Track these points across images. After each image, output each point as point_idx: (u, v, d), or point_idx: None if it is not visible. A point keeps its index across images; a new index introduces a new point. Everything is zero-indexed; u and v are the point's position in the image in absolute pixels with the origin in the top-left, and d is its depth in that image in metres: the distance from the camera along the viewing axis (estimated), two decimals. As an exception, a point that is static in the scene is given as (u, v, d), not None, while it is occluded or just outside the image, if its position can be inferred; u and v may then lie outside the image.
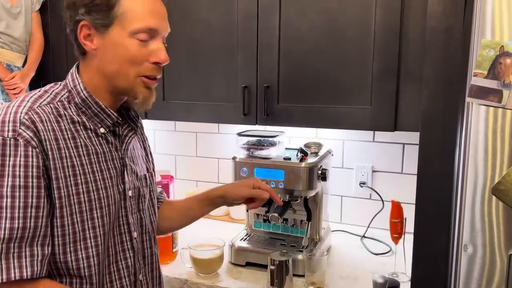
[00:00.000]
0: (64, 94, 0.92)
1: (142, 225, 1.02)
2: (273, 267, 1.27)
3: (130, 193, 0.98)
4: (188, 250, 1.39)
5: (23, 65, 1.96)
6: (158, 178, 1.83)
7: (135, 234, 0.99)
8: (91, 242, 0.89)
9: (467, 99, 0.89)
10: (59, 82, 0.95)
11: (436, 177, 1.06)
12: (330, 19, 1.43)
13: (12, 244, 0.80)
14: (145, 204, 1.04)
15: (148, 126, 2.15)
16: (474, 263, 0.94)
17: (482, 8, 0.88)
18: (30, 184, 0.81)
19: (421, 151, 1.07)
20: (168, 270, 1.42)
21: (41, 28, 1.97)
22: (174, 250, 1.48)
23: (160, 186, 1.57)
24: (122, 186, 0.96)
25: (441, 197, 1.06)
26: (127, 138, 1.00)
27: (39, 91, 0.92)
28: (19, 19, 1.91)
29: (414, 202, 1.13)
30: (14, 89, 1.90)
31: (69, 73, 0.95)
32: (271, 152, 1.46)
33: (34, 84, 1.96)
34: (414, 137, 1.65)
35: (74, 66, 0.96)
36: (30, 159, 0.81)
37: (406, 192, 1.67)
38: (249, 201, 1.16)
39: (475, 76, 0.87)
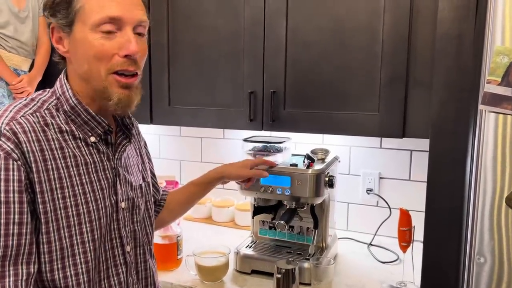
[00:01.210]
0: (52, 101, 0.87)
1: (135, 238, 0.98)
2: (279, 276, 1.25)
3: (123, 204, 0.93)
4: (193, 257, 1.38)
5: (30, 69, 1.97)
6: (163, 184, 1.82)
7: (128, 248, 0.94)
8: (80, 258, 0.84)
9: (480, 107, 0.87)
10: (48, 89, 0.91)
11: (446, 186, 1.04)
12: (337, 26, 1.42)
13: None
14: (140, 215, 1.00)
15: (153, 131, 2.14)
16: (485, 274, 0.92)
17: (494, 14, 0.87)
18: (12, 199, 0.76)
19: (431, 159, 1.05)
20: (172, 277, 1.40)
21: (47, 32, 1.98)
22: (178, 257, 1.46)
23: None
24: (114, 197, 0.91)
25: (451, 206, 1.04)
26: (121, 146, 0.94)
27: (25, 99, 0.86)
28: (26, 23, 1.91)
29: (421, 210, 1.11)
30: (21, 92, 1.90)
31: (58, 79, 0.91)
32: (277, 158, 1.44)
33: (41, 88, 1.96)
34: (421, 143, 1.64)
35: (63, 71, 0.92)
36: (11, 173, 0.76)
37: (414, 199, 1.65)
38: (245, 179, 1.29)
39: (488, 83, 0.86)
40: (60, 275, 0.83)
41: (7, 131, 0.78)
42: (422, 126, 1.35)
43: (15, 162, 0.77)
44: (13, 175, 0.77)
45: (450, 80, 1.01)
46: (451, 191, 1.04)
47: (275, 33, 1.50)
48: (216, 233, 1.81)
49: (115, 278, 0.91)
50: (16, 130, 0.78)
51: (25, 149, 0.78)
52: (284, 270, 1.25)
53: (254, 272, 1.42)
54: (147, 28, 0.90)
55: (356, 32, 1.40)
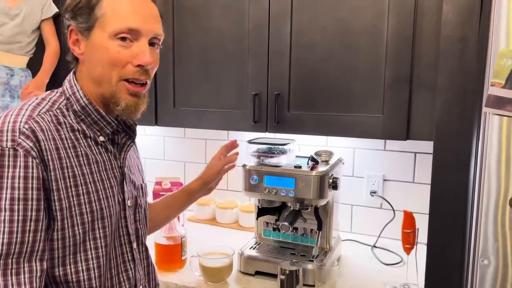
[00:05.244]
0: (62, 101, 0.89)
1: (138, 236, 1.01)
2: (283, 277, 1.25)
3: (129, 203, 0.96)
4: (197, 258, 1.38)
5: (28, 67, 1.98)
6: (168, 185, 1.84)
7: (134, 245, 0.98)
8: (91, 254, 0.86)
9: (484, 109, 0.88)
10: (56, 90, 0.93)
11: (450, 188, 1.04)
12: (342, 28, 1.43)
13: (10, 260, 0.76)
14: (141, 214, 1.03)
15: (158, 132, 2.15)
16: (489, 276, 0.92)
17: (498, 17, 0.87)
18: (30, 196, 0.78)
19: (435, 161, 1.06)
20: (176, 278, 1.41)
21: (56, 36, 1.99)
22: (183, 258, 1.47)
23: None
24: (121, 195, 0.94)
25: (455, 208, 1.04)
26: (125, 146, 0.97)
27: (36, 99, 0.89)
28: (15, 20, 1.91)
29: (426, 212, 1.11)
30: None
31: (66, 80, 0.93)
32: (281, 160, 1.45)
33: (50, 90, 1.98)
34: (425, 146, 1.64)
35: (71, 72, 0.94)
36: (30, 170, 0.78)
37: (418, 201, 1.65)
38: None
39: (492, 86, 0.86)
40: (72, 270, 0.85)
41: (26, 129, 0.79)
42: (426, 128, 1.35)
43: (34, 160, 0.78)
44: (33, 172, 0.78)
45: (454, 82, 1.01)
46: (455, 193, 1.04)
47: (280, 35, 1.51)
48: (220, 234, 1.81)
49: (124, 274, 0.94)
50: (34, 128, 0.80)
51: (43, 147, 0.80)
52: (288, 272, 1.25)
53: (258, 273, 1.43)
54: (161, 40, 0.94)
55: (360, 34, 1.41)
